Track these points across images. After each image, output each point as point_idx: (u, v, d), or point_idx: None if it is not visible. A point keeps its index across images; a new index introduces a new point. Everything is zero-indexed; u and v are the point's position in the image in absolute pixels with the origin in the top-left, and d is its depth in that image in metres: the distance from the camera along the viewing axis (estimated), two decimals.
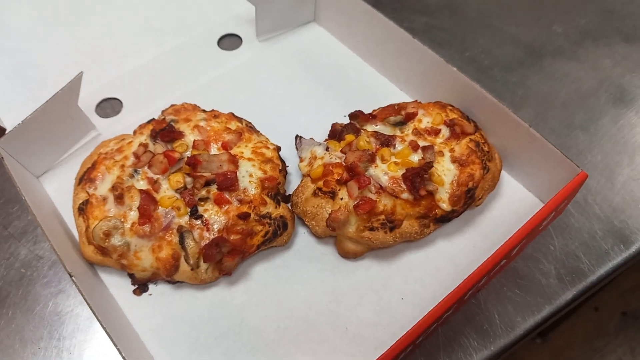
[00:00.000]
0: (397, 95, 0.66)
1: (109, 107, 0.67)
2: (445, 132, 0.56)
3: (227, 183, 0.52)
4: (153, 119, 0.60)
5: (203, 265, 0.51)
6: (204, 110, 0.60)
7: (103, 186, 0.53)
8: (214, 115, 0.59)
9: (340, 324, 0.51)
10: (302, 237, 0.57)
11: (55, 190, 0.59)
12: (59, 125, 0.59)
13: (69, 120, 0.60)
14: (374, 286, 0.53)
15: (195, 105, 0.61)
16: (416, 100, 0.60)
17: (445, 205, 0.53)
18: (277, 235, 0.53)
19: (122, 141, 0.57)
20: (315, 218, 0.54)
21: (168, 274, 0.51)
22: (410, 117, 0.57)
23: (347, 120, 0.60)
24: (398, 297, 0.52)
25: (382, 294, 0.53)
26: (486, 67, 0.69)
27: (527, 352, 1.18)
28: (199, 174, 0.53)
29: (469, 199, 0.53)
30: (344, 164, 0.55)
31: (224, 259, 0.51)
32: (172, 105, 0.60)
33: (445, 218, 0.53)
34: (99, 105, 0.67)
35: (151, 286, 0.53)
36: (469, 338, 0.50)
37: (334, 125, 0.60)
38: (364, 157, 0.54)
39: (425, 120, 0.57)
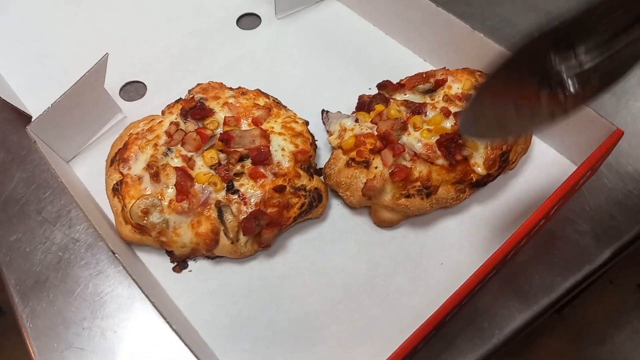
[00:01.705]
0: (422, 66, 0.66)
1: (133, 90, 0.67)
2: None
3: (262, 157, 0.52)
4: (180, 98, 0.60)
5: (242, 239, 0.51)
6: (230, 88, 0.60)
7: (137, 165, 0.53)
8: (242, 92, 0.59)
9: (378, 293, 0.51)
10: (336, 209, 0.57)
11: (87, 173, 0.59)
12: (87, 108, 0.59)
13: (95, 103, 0.60)
14: (410, 254, 0.53)
15: (222, 83, 0.61)
16: (444, 67, 0.60)
17: (481, 170, 0.53)
18: (312, 207, 0.53)
19: (152, 121, 0.57)
20: (349, 188, 0.54)
21: (208, 249, 0.51)
22: (440, 83, 0.57)
23: (373, 92, 0.60)
24: (436, 264, 0.52)
25: (419, 261, 0.53)
26: (508, 36, 0.69)
27: (545, 327, 1.18)
28: (232, 149, 0.53)
29: (504, 162, 0.53)
30: (375, 133, 0.55)
31: (263, 231, 0.51)
32: (199, 84, 0.60)
33: (481, 182, 0.53)
34: (122, 89, 0.67)
35: (190, 263, 0.53)
36: (509, 300, 0.51)
37: (361, 97, 0.60)
38: (397, 125, 0.54)
39: (455, 87, 0.57)
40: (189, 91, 0.60)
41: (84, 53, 0.69)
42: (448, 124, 0.54)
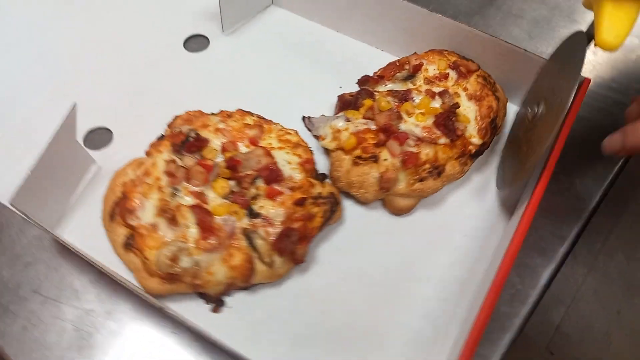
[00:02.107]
0: (382, 58, 0.68)
1: (97, 137, 0.62)
2: (452, 75, 0.59)
3: (274, 175, 0.52)
4: (163, 135, 0.57)
5: (277, 260, 0.50)
6: (213, 114, 0.58)
7: (146, 213, 0.50)
8: (227, 115, 0.57)
9: (421, 275, 0.53)
10: (350, 210, 0.57)
11: (78, 237, 0.54)
12: (63, 166, 0.54)
13: (71, 159, 0.55)
14: (434, 233, 0.55)
15: (200, 110, 0.58)
16: (414, 53, 0.63)
17: (477, 140, 0.56)
18: (333, 213, 0.54)
19: (141, 165, 0.54)
20: (363, 186, 0.55)
21: (246, 280, 0.49)
22: (417, 68, 0.59)
23: (344, 91, 0.61)
24: (460, 236, 0.55)
25: (444, 236, 0.55)
26: (451, 16, 0.73)
27: None
28: (242, 174, 0.51)
29: (494, 129, 0.57)
30: (373, 128, 0.56)
31: (296, 248, 0.50)
32: (178, 117, 0.58)
33: (479, 152, 0.57)
34: (86, 138, 0.62)
35: (227, 299, 0.51)
36: (530, 258, 0.54)
37: (342, 97, 0.61)
38: (393, 115, 0.55)
39: (431, 69, 0.59)
40: (169, 125, 0.57)
41: (31, 101, 0.63)
42: (436, 104, 0.57)
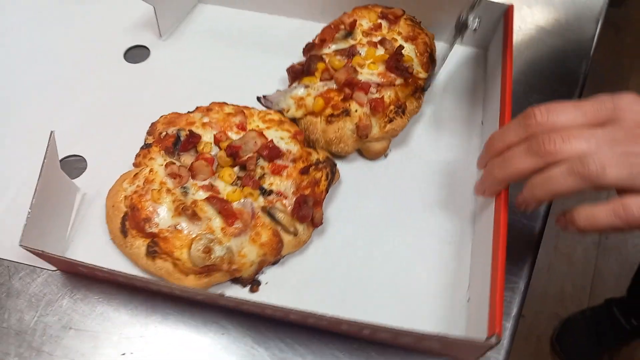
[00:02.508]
0: (318, 28, 0.71)
1: (69, 164, 0.60)
2: (384, 23, 0.65)
3: (274, 152, 0.54)
4: (147, 144, 0.56)
5: (300, 228, 0.53)
6: (190, 112, 0.59)
7: (164, 218, 0.50)
8: (207, 109, 0.58)
9: (427, 209, 0.58)
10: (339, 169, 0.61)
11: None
12: (54, 199, 0.52)
13: (60, 190, 0.53)
14: (416, 168, 0.61)
15: (175, 111, 0.59)
16: (344, 13, 0.67)
17: (423, 74, 0.63)
18: (334, 174, 0.57)
19: (136, 177, 0.54)
20: (342, 140, 0.59)
21: (277, 253, 0.52)
22: (353, 25, 0.64)
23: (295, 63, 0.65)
24: (440, 165, 0.61)
25: (425, 169, 0.61)
26: None
27: None
28: (245, 157, 0.53)
29: (433, 61, 0.65)
30: (334, 87, 0.60)
31: (313, 212, 0.53)
32: (157, 122, 0.58)
33: (427, 85, 0.63)
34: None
35: (260, 277, 0.53)
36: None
37: (292, 67, 0.64)
38: (350, 69, 0.60)
39: (364, 23, 0.65)
40: (150, 133, 0.57)
41: None
42: (381, 51, 0.62)
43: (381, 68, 0.61)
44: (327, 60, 0.62)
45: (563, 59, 0.71)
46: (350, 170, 0.61)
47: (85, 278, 0.52)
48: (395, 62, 0.60)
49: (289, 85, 0.65)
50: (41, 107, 0.65)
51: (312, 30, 0.71)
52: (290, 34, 0.72)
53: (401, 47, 0.62)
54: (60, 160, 0.59)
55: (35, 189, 0.48)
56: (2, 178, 0.58)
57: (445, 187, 0.60)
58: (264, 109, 0.63)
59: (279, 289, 0.53)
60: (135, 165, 0.56)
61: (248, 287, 0.52)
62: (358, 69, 0.61)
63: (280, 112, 0.62)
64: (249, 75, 0.68)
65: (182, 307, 0.51)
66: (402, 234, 0.56)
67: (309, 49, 0.64)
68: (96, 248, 0.54)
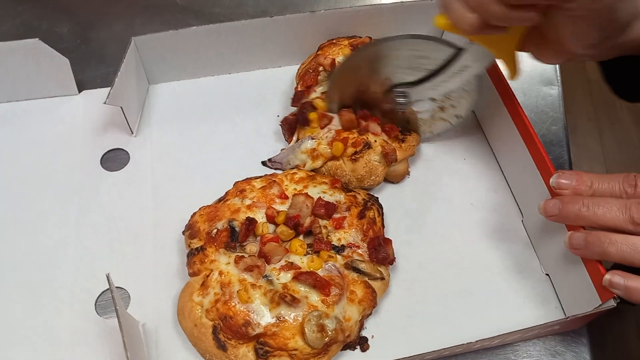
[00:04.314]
0: (287, 72, 0.71)
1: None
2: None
3: (330, 207, 0.54)
4: (195, 248, 0.52)
5: (383, 270, 0.53)
6: (223, 197, 0.56)
7: (262, 315, 0.48)
8: (239, 191, 0.55)
9: (468, 206, 0.62)
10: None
11: None
12: (134, 338, 0.47)
13: (133, 327, 0.48)
14: (438, 179, 0.64)
15: (205, 205, 0.56)
16: (315, 54, 0.67)
17: None
18: (381, 207, 0.58)
19: (205, 287, 0.50)
20: (372, 173, 0.60)
21: (374, 304, 0.52)
22: (333, 65, 0.64)
23: (280, 119, 0.65)
24: (452, 172, 0.65)
25: (447, 181, 0.64)
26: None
27: None
28: (307, 224, 0.52)
29: None
30: (339, 128, 0.60)
31: (387, 251, 0.54)
32: (194, 222, 0.54)
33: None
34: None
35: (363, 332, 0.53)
36: None
37: (286, 120, 0.64)
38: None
39: (340, 59, 0.64)
40: (195, 235, 0.53)
41: None
42: None
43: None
44: (319, 106, 0.62)
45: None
46: (385, 198, 0.62)
47: None
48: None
49: (288, 139, 0.64)
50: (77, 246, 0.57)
51: (277, 77, 0.71)
52: (259, 87, 0.71)
53: None
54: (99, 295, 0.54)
55: (123, 340, 0.43)
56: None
57: (471, 180, 0.64)
58: (274, 171, 0.61)
59: (386, 337, 0.53)
60: (194, 273, 0.52)
61: (358, 348, 0.52)
62: None
63: (296, 167, 0.61)
64: (237, 142, 0.66)
65: None
66: (455, 238, 0.59)
67: (298, 98, 0.64)
68: None
